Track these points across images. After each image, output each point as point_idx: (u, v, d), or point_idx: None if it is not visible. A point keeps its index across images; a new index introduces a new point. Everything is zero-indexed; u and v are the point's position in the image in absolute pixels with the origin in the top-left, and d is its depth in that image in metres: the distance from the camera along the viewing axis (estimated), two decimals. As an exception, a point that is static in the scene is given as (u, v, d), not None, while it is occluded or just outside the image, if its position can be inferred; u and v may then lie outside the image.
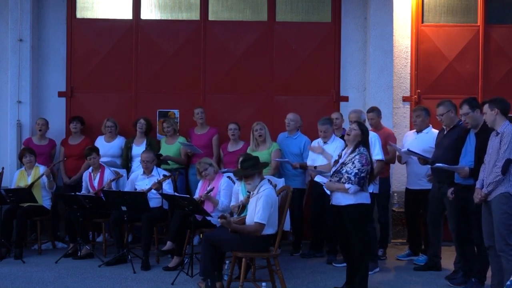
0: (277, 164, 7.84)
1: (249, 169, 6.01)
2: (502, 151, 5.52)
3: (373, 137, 6.99)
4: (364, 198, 5.92)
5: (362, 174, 5.81)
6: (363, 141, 5.96)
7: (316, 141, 7.68)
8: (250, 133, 8.00)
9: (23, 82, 8.78)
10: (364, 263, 5.95)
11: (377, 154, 6.85)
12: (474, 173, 5.98)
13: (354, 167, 5.81)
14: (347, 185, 5.81)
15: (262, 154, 7.66)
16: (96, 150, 8.06)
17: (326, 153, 7.28)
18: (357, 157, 5.84)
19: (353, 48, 9.09)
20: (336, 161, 6.10)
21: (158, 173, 7.65)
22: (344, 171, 5.86)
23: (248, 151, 7.88)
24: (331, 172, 6.05)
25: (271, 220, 5.95)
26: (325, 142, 7.52)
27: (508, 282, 5.52)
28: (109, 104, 9.08)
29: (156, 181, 7.39)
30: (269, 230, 5.97)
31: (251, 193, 6.11)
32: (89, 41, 9.15)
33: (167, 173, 7.67)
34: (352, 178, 5.79)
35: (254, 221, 5.90)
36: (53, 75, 9.09)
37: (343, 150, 6.14)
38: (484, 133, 5.98)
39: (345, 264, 6.33)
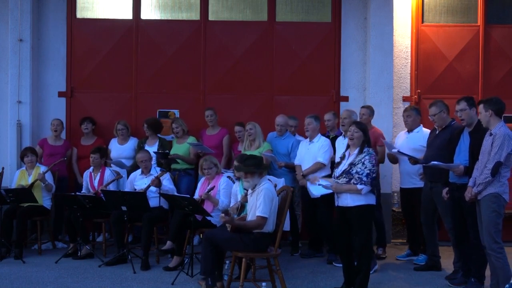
0: (267, 163, 7.84)
1: (252, 167, 6.01)
2: (493, 153, 5.57)
3: None
4: (371, 200, 5.94)
5: (374, 175, 5.86)
6: (367, 141, 5.98)
7: (303, 141, 7.75)
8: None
9: (23, 82, 8.78)
10: (366, 263, 5.96)
11: None
12: (468, 171, 6.02)
13: (365, 167, 5.82)
14: (359, 186, 5.81)
15: (252, 153, 7.67)
16: (101, 151, 8.07)
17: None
18: (367, 157, 5.86)
19: (353, 48, 9.09)
20: (338, 163, 6.09)
21: (157, 171, 7.66)
22: (354, 171, 5.85)
23: (242, 150, 7.91)
24: (337, 174, 6.03)
25: (270, 217, 5.94)
26: (310, 141, 7.60)
27: (507, 286, 5.54)
28: (109, 104, 9.08)
29: (154, 177, 7.40)
30: (268, 228, 5.96)
31: (248, 191, 6.11)
32: (89, 41, 9.16)
33: (163, 170, 7.67)
34: (364, 178, 5.80)
35: (256, 215, 5.90)
36: (53, 75, 9.10)
37: (345, 150, 6.13)
38: (478, 132, 6.03)
39: (345, 264, 6.34)
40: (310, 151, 7.55)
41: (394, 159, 7.77)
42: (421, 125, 7.61)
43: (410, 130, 7.60)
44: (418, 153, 7.10)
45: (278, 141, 8.05)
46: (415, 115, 7.56)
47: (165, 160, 8.04)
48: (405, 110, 7.78)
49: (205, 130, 8.67)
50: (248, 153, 7.40)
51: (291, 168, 7.85)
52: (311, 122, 7.62)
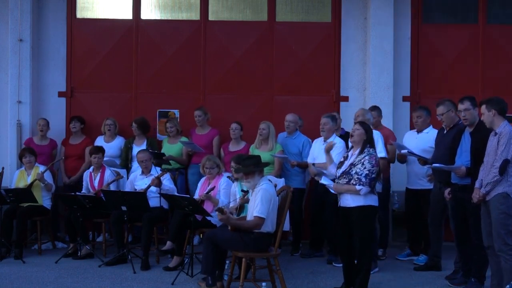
0: (281, 165, 7.85)
1: (251, 167, 6.00)
2: (500, 152, 5.53)
3: (376, 135, 7.01)
4: (372, 200, 5.90)
5: (373, 175, 5.80)
6: (368, 141, 5.95)
7: (317, 140, 7.70)
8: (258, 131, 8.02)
9: (23, 82, 8.78)
10: (366, 263, 5.95)
11: (380, 151, 6.85)
12: (470, 172, 6.00)
13: (364, 168, 5.78)
14: (358, 187, 5.78)
15: (263, 154, 7.67)
16: (103, 151, 8.07)
17: (329, 156, 7.06)
18: (366, 157, 5.82)
19: (353, 48, 9.09)
20: (342, 163, 6.08)
21: (157, 171, 7.66)
22: (354, 172, 5.82)
23: (250, 148, 7.92)
24: (338, 174, 6.02)
25: (269, 217, 5.92)
26: (325, 141, 7.53)
27: (508, 286, 5.52)
28: (109, 104, 9.08)
29: (155, 177, 7.39)
30: (267, 228, 5.95)
31: (250, 191, 6.11)
32: (89, 41, 9.16)
33: (164, 169, 7.67)
34: (363, 179, 5.76)
35: (253, 215, 5.88)
36: (53, 75, 9.10)
37: (349, 151, 6.12)
38: (479, 132, 6.01)
39: (345, 264, 6.33)
40: (324, 151, 7.47)
41: (403, 159, 7.74)
42: (431, 125, 7.56)
43: (419, 131, 7.56)
44: (427, 154, 7.06)
45: (289, 141, 8.06)
46: (425, 115, 7.50)
47: (157, 160, 8.03)
48: (414, 110, 7.74)
49: (194, 129, 8.66)
50: (258, 153, 7.42)
51: (304, 168, 7.86)
52: (327, 122, 7.51)
